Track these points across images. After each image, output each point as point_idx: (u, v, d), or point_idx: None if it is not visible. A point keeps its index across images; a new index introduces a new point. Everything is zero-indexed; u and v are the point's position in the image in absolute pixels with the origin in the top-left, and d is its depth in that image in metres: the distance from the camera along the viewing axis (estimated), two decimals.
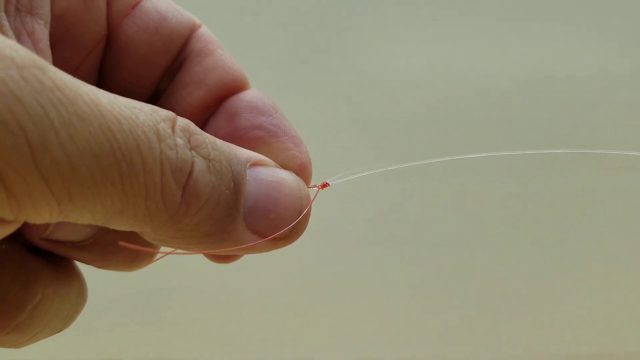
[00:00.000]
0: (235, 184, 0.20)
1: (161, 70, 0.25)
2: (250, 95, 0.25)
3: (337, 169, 0.26)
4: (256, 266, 0.55)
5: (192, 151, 0.18)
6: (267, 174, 0.21)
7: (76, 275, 0.23)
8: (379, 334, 0.56)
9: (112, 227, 0.18)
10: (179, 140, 0.18)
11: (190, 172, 0.18)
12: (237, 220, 0.20)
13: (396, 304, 0.56)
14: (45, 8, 0.20)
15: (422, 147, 0.56)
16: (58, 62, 0.22)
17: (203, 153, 0.19)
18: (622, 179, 0.56)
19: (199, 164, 0.19)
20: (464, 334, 0.56)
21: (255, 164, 0.21)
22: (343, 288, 0.56)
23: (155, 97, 0.26)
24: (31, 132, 0.14)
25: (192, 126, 0.19)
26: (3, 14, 0.18)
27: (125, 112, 0.17)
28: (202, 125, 0.25)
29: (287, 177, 0.22)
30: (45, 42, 0.20)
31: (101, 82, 0.25)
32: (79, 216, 0.17)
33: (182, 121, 0.19)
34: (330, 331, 0.56)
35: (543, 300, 0.56)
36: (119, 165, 0.16)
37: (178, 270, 0.55)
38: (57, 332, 0.22)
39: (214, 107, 0.25)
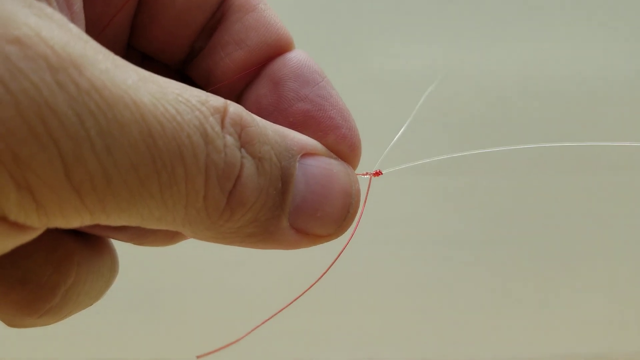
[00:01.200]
0: (283, 182, 0.18)
1: (198, 27, 0.23)
2: (295, 59, 0.22)
3: None
4: (256, 266, 0.55)
5: (242, 149, 0.17)
6: (317, 166, 0.19)
7: (108, 249, 0.21)
8: (379, 334, 0.56)
9: (148, 227, 0.17)
10: (229, 139, 0.16)
11: (239, 177, 0.17)
12: (282, 221, 0.19)
13: (397, 304, 0.56)
14: None
15: (422, 146, 0.56)
16: (89, 18, 0.20)
17: (253, 151, 0.17)
18: (623, 178, 0.56)
19: (248, 167, 0.17)
20: (464, 334, 0.56)
21: (306, 154, 0.19)
22: (343, 288, 0.56)
23: (190, 57, 0.24)
24: (64, 145, 0.13)
25: (245, 116, 0.17)
26: None
27: (170, 112, 0.15)
28: (243, 91, 0.23)
29: (338, 171, 0.20)
30: (79, 5, 0.18)
31: (133, 40, 0.23)
32: (113, 222, 0.15)
33: (233, 112, 0.17)
34: (330, 331, 0.56)
35: (543, 300, 0.56)
36: (159, 175, 0.15)
37: (178, 270, 0.55)
38: (88, 307, 0.21)
39: (256, 71, 0.23)
